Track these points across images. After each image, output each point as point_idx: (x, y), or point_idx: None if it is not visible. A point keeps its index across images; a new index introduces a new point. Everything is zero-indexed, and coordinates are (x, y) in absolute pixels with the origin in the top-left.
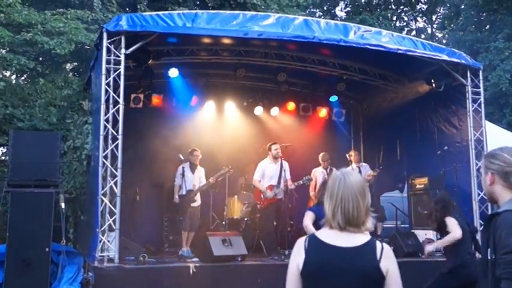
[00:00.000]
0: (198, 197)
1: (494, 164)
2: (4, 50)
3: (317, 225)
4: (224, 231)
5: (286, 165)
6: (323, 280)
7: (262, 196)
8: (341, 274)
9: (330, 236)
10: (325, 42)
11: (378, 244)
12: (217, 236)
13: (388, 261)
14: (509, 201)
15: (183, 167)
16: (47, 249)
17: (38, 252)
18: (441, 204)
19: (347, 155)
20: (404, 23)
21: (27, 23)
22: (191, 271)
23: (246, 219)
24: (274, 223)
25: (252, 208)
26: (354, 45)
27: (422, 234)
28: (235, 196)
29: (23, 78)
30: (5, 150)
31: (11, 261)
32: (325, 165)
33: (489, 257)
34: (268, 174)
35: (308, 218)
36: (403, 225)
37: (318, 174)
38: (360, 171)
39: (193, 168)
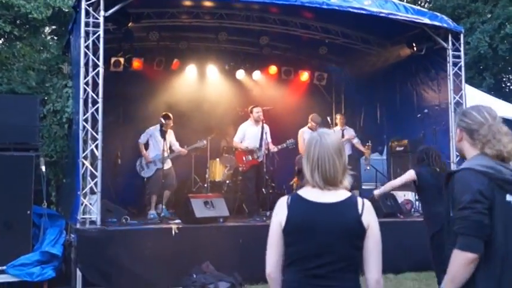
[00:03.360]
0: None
1: (463, 121)
2: None
3: None
4: (206, 193)
5: (267, 128)
6: (306, 235)
7: (244, 158)
8: (324, 228)
9: (312, 193)
10: (307, 5)
11: (359, 199)
12: (199, 198)
13: (369, 216)
14: (471, 158)
15: (151, 130)
16: (28, 212)
17: (19, 215)
18: (415, 159)
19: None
20: None
21: None
22: (173, 232)
23: (227, 181)
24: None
25: (233, 171)
26: (337, 8)
27: (401, 196)
28: (217, 159)
29: (0, 42)
30: None
31: None
32: (314, 126)
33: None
34: (248, 136)
35: None
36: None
37: (306, 134)
38: (343, 135)
39: (163, 134)
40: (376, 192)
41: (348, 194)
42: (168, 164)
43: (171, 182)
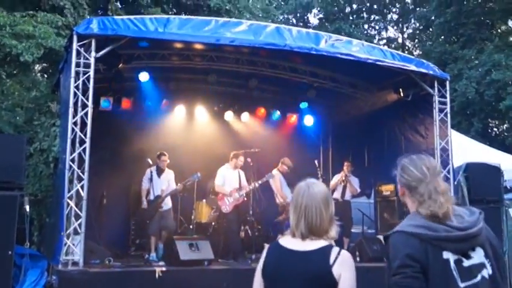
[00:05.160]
0: (167, 200)
1: (403, 177)
2: None
3: None
4: (191, 235)
5: (242, 172)
6: (277, 281)
7: (226, 200)
8: (292, 275)
9: (290, 241)
10: (296, 50)
11: (335, 250)
12: (185, 240)
13: (342, 268)
14: (407, 217)
15: (151, 171)
16: (10, 252)
17: (0, 255)
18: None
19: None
20: (376, 32)
21: None
22: (157, 275)
23: (213, 223)
24: (242, 227)
25: (220, 212)
26: (325, 53)
27: None
28: (204, 200)
29: None
30: None
31: None
32: (285, 170)
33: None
34: (228, 180)
35: None
36: (369, 231)
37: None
38: (346, 181)
39: (160, 172)
40: None
41: (325, 243)
42: (167, 205)
43: (169, 223)
